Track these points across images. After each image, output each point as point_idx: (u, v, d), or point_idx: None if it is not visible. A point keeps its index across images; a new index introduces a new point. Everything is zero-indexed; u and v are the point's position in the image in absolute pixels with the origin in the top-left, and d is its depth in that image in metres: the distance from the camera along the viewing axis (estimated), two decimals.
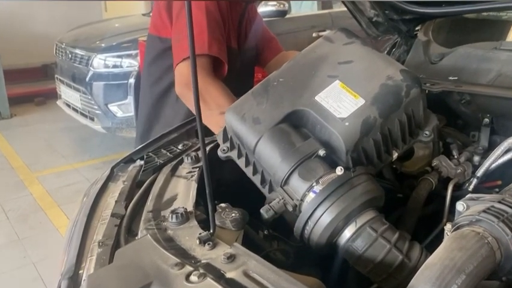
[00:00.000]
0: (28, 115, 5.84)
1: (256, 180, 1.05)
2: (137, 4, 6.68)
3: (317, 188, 0.91)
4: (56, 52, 4.84)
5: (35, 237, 3.14)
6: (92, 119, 4.27)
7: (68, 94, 4.59)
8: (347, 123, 0.98)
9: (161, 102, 1.74)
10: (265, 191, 1.03)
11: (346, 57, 1.10)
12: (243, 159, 1.08)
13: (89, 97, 4.18)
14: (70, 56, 4.49)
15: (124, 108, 4.04)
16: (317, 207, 0.89)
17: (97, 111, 4.16)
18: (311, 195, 0.91)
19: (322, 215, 0.89)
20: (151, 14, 5.09)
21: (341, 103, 1.01)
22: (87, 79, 4.18)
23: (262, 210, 0.95)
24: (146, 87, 1.80)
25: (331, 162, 0.96)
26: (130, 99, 3.99)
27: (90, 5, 7.20)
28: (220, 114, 1.24)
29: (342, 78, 1.05)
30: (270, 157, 0.98)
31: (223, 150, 1.12)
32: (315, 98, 1.03)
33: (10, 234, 3.15)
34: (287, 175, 0.95)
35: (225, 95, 1.47)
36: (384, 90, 1.02)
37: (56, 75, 4.86)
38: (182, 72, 1.52)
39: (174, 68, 1.55)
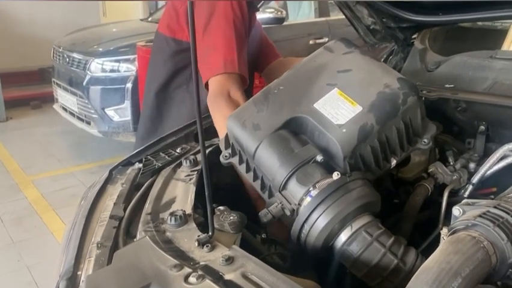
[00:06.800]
0: (24, 118, 5.81)
1: (257, 185, 1.06)
2: (135, 9, 6.70)
3: (314, 193, 0.92)
4: (53, 56, 4.83)
5: (30, 240, 3.12)
6: (88, 123, 4.26)
7: (65, 98, 4.57)
8: (344, 130, 0.99)
9: (169, 102, 1.74)
10: (265, 196, 1.04)
11: (345, 66, 1.12)
12: (244, 165, 1.09)
13: (86, 101, 4.17)
14: (67, 60, 4.48)
15: (120, 113, 4.04)
16: (313, 210, 0.90)
17: (94, 115, 4.15)
18: (308, 199, 0.92)
19: (318, 218, 0.90)
20: (149, 19, 5.15)
21: (338, 110, 1.02)
22: (84, 83, 4.17)
23: (260, 215, 0.96)
24: (153, 87, 1.78)
25: (329, 168, 0.97)
26: (127, 104, 3.99)
27: (88, 10, 7.21)
28: None
29: (341, 86, 1.07)
30: (269, 162, 1.00)
31: (225, 156, 1.13)
32: (314, 105, 1.05)
33: (4, 238, 3.13)
34: (285, 180, 0.96)
35: None
36: (381, 98, 1.03)
37: (53, 79, 4.85)
38: (214, 87, 1.45)
39: (204, 81, 1.48)
